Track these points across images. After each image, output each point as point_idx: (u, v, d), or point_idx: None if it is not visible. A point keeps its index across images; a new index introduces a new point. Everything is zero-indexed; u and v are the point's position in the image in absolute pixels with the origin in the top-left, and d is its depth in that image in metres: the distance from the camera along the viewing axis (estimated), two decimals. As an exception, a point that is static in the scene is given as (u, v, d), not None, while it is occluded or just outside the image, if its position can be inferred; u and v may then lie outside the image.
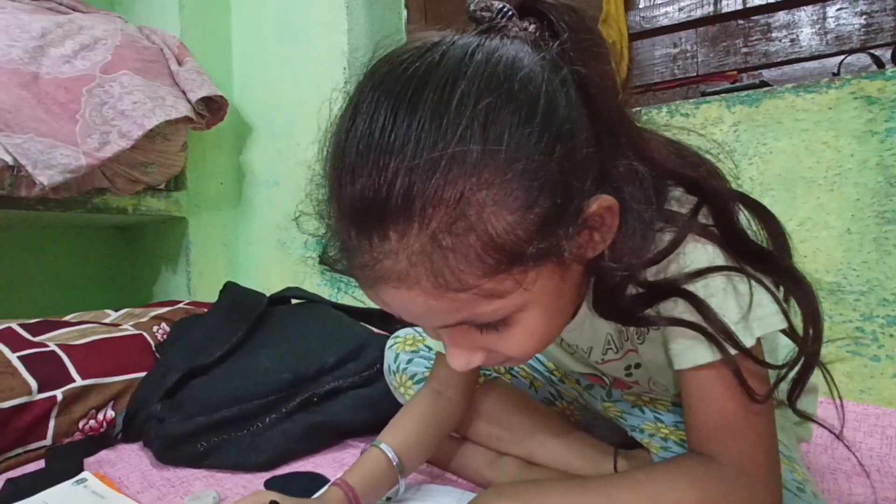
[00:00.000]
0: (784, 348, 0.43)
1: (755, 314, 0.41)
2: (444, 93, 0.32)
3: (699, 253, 0.40)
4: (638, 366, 0.57)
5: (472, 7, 0.37)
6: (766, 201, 0.79)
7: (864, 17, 0.95)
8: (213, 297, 1.15)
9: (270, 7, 1.51)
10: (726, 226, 0.40)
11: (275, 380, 0.78)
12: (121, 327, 0.98)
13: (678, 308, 0.40)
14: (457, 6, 1.40)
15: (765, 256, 0.40)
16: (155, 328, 1.02)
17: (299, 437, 0.74)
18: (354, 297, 1.35)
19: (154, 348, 0.97)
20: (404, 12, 1.50)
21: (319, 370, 0.81)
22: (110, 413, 0.83)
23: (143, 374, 0.89)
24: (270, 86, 1.51)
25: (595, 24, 0.38)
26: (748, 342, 0.40)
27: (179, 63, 1.39)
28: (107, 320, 1.04)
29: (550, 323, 0.39)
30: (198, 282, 1.47)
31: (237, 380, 0.81)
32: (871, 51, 0.92)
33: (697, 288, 0.40)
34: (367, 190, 0.32)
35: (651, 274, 0.40)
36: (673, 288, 0.39)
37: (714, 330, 0.39)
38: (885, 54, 0.90)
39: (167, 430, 0.74)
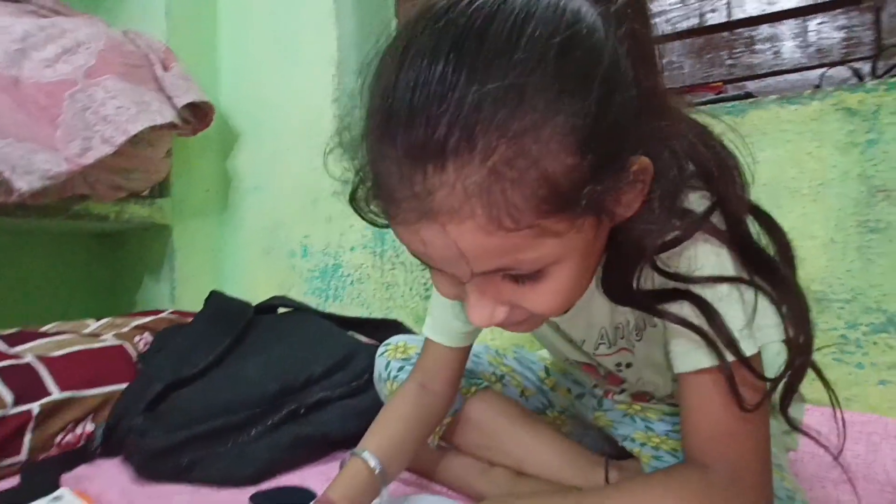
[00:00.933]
0: (778, 356, 0.43)
1: (758, 323, 0.41)
2: (514, 28, 0.31)
3: (710, 256, 0.41)
4: (629, 365, 0.57)
5: None
6: (752, 211, 0.80)
7: (843, 30, 0.97)
8: (197, 306, 1.13)
9: (259, 12, 1.50)
10: (736, 230, 0.41)
11: (261, 391, 0.77)
12: (101, 337, 0.96)
13: (684, 310, 0.40)
14: (445, 15, 1.41)
15: (771, 266, 0.41)
16: (137, 338, 1.00)
17: (286, 449, 0.73)
18: (342, 305, 1.33)
19: (136, 359, 0.94)
20: (394, 20, 1.50)
21: (307, 380, 0.80)
22: (89, 426, 0.80)
23: (124, 385, 0.86)
24: (258, 91, 1.50)
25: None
26: (750, 351, 0.40)
27: (165, 68, 1.37)
28: (87, 330, 1.01)
29: (577, 282, 0.39)
30: (182, 290, 1.44)
31: (222, 391, 0.79)
32: (851, 64, 0.94)
33: (705, 291, 0.40)
34: (427, 120, 0.31)
35: (661, 263, 0.40)
36: (682, 287, 0.40)
37: (718, 336, 0.39)
38: (865, 67, 0.92)
39: (149, 443, 0.72)
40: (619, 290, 0.42)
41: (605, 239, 0.40)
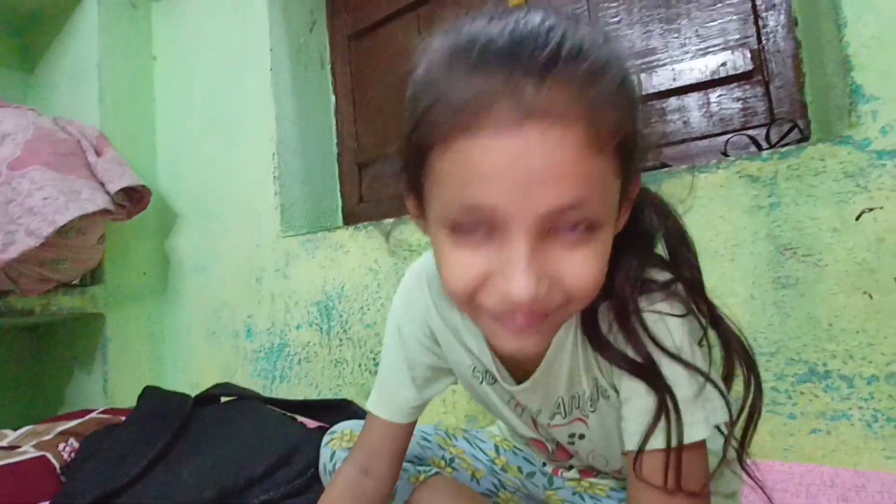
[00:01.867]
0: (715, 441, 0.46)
1: (707, 405, 0.43)
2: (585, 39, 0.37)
3: (676, 331, 0.44)
4: (582, 437, 0.57)
5: None
6: (676, 274, 0.84)
7: (740, 101, 1.07)
8: (133, 399, 1.06)
9: (197, 96, 1.52)
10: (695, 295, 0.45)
11: (197, 499, 0.72)
12: (19, 450, 0.88)
13: (642, 390, 0.43)
14: (383, 91, 1.47)
15: (721, 323, 0.46)
16: (61, 446, 0.92)
17: (225, 564, 0.68)
18: (290, 386, 1.29)
19: (59, 471, 0.87)
20: (332, 98, 1.55)
21: (247, 482, 0.75)
22: (1, 557, 0.73)
23: None
24: (198, 172, 1.50)
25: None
26: (702, 435, 0.42)
27: (98, 154, 1.35)
28: (3, 443, 0.93)
29: (605, 264, 0.39)
30: (116, 383, 1.36)
31: (154, 502, 0.73)
32: (750, 131, 1.04)
33: (669, 368, 0.43)
34: (544, 40, 0.35)
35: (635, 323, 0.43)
36: (646, 354, 0.43)
37: (675, 418, 0.42)
38: (762, 134, 1.02)
39: (70, 573, 0.65)
40: (597, 336, 0.45)
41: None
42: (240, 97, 1.44)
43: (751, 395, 0.45)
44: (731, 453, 0.62)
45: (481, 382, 0.60)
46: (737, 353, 0.46)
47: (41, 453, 0.88)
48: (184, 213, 1.50)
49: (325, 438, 0.71)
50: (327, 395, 1.24)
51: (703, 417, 0.43)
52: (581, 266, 0.37)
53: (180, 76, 1.56)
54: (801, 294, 0.83)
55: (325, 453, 0.69)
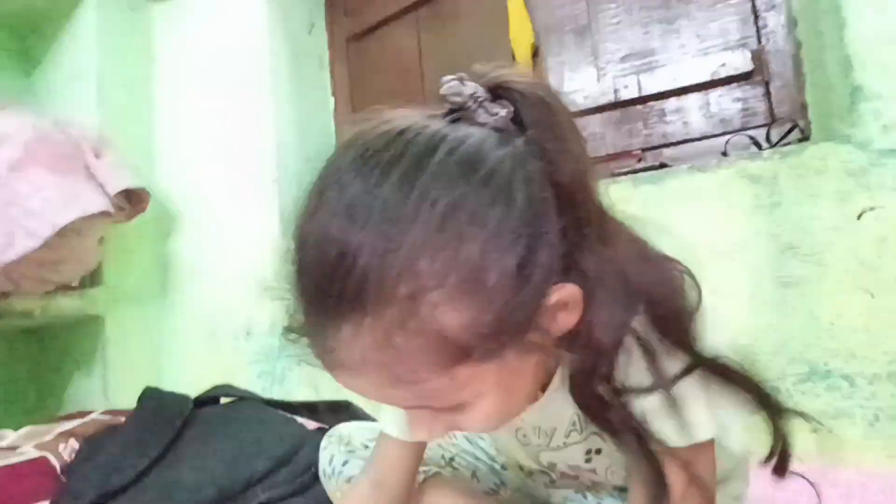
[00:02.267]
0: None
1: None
2: (403, 188, 0.32)
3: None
4: (599, 451, 0.56)
5: (442, 90, 0.38)
6: (677, 273, 0.84)
7: (740, 102, 1.08)
8: (133, 401, 1.06)
9: (197, 98, 1.52)
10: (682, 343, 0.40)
11: (197, 498, 0.72)
12: (18, 451, 0.88)
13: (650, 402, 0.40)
14: (382, 93, 1.47)
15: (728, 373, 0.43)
16: (62, 447, 0.92)
17: (226, 565, 0.68)
18: (290, 388, 1.29)
19: (60, 471, 0.86)
20: (331, 101, 1.55)
21: (248, 482, 0.75)
22: (1, 559, 0.72)
23: (44, 504, 0.79)
24: (197, 174, 1.49)
25: (567, 113, 0.38)
26: (711, 433, 0.42)
27: (97, 155, 1.35)
28: (3, 443, 0.93)
29: (509, 404, 0.39)
30: (117, 385, 1.35)
31: (155, 502, 0.73)
32: (750, 132, 1.04)
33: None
34: (323, 281, 0.32)
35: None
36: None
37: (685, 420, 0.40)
38: (763, 134, 1.02)
39: (69, 574, 0.65)
40: (586, 395, 0.41)
41: (547, 353, 0.39)
42: (239, 100, 1.44)
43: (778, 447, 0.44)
44: (744, 448, 0.62)
45: None
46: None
47: (41, 454, 0.88)
48: (183, 216, 1.50)
49: (323, 442, 0.70)
50: (328, 396, 1.23)
51: (708, 417, 0.42)
52: (468, 422, 0.39)
53: (179, 79, 1.56)
54: (803, 293, 0.83)
55: (323, 457, 0.69)
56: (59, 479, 0.85)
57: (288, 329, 0.38)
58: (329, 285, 0.32)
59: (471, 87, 0.37)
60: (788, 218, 0.84)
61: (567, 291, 0.36)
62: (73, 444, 0.94)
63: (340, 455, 0.68)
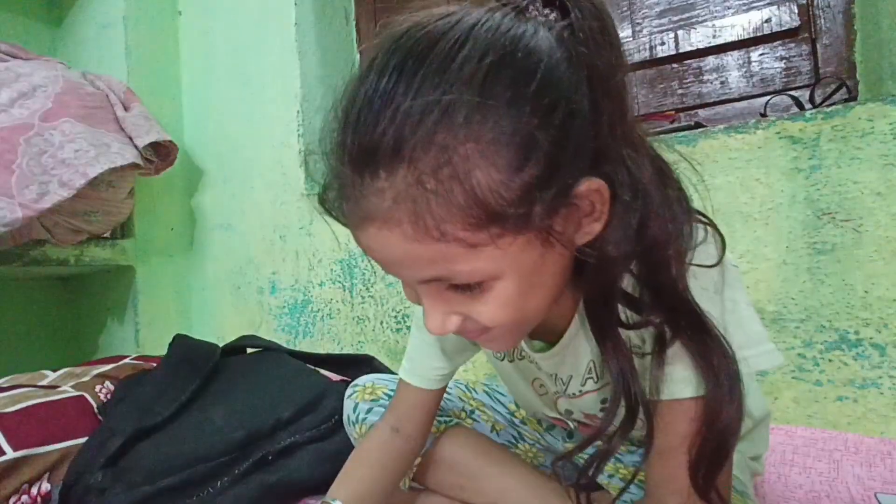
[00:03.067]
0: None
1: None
2: (451, 50, 0.33)
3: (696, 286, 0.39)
4: None
5: None
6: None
7: (783, 61, 1.02)
8: (163, 349, 1.09)
9: (221, 50, 1.51)
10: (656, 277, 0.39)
11: (227, 438, 0.75)
12: (59, 389, 0.92)
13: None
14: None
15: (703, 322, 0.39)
16: (98, 388, 0.96)
17: (254, 501, 0.71)
18: (313, 342, 1.32)
19: (97, 410, 0.91)
20: (357, 56, 1.52)
21: (275, 425, 0.78)
22: (45, 486, 0.77)
23: (83, 439, 0.83)
24: (223, 129, 1.50)
25: (610, 16, 0.38)
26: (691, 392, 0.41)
27: (126, 108, 1.36)
28: (43, 382, 0.97)
29: (525, 298, 0.39)
30: (147, 333, 1.40)
31: (186, 441, 0.77)
32: (792, 92, 0.99)
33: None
34: (366, 129, 0.33)
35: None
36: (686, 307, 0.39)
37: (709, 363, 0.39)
38: (805, 95, 0.97)
39: (109, 501, 0.69)
40: (598, 323, 0.42)
41: (569, 260, 0.40)
42: (264, 53, 1.43)
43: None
44: (764, 411, 0.62)
45: (503, 359, 0.60)
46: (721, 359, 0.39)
47: (79, 393, 0.92)
48: (209, 171, 1.51)
49: (349, 391, 0.72)
50: (349, 350, 1.26)
51: (688, 376, 0.40)
52: (484, 310, 0.39)
53: (204, 32, 1.55)
54: (838, 260, 0.80)
55: (348, 405, 0.71)
56: (96, 417, 0.90)
57: (321, 197, 0.39)
58: (371, 134, 0.33)
59: None
60: (828, 182, 0.81)
61: (595, 185, 0.36)
62: (109, 385, 0.98)
63: (365, 403, 0.70)
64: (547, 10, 0.38)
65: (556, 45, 0.35)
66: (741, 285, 0.44)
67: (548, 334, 0.52)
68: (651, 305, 0.39)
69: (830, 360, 0.81)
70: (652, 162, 0.39)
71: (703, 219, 0.42)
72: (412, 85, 0.33)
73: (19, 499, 0.74)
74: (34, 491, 0.75)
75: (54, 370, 1.04)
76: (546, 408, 0.62)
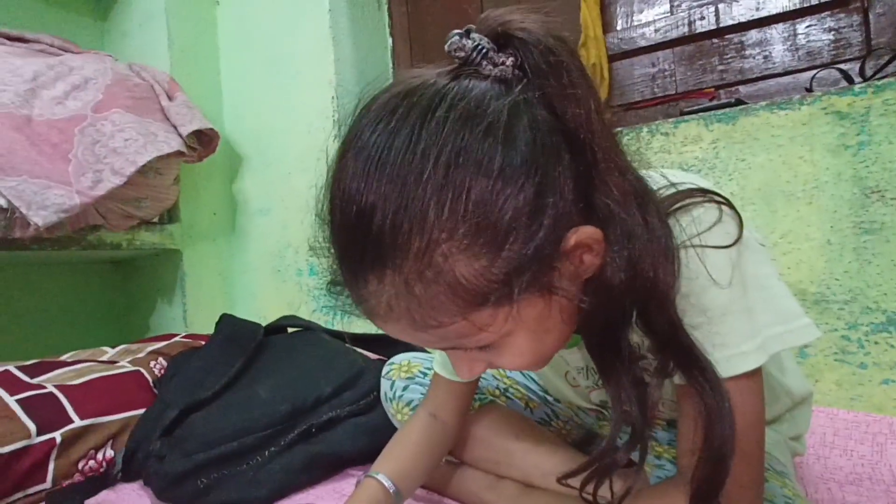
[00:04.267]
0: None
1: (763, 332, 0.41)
2: (411, 145, 0.34)
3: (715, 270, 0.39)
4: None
5: (446, 47, 0.38)
6: (747, 215, 0.82)
7: (832, 32, 0.98)
8: (209, 328, 1.15)
9: (258, 40, 1.54)
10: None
11: (273, 412, 0.79)
12: (118, 364, 0.99)
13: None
14: (441, 32, 1.44)
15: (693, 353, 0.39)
16: (152, 363, 1.02)
17: (299, 469, 0.75)
18: (350, 323, 1.35)
19: (152, 384, 0.97)
20: (389, 40, 1.53)
21: (317, 400, 0.82)
22: (109, 452, 0.83)
23: (141, 411, 0.89)
24: (260, 116, 1.54)
25: (572, 57, 0.38)
26: (754, 363, 0.41)
27: (170, 98, 1.41)
28: (104, 358, 1.04)
29: (541, 344, 0.40)
30: (194, 313, 1.47)
31: (236, 413, 0.81)
32: (841, 66, 0.95)
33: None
34: (348, 239, 0.36)
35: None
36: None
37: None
38: (855, 68, 0.93)
39: (167, 467, 0.74)
40: (600, 358, 0.42)
41: (578, 296, 0.39)
42: (299, 40, 1.45)
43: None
44: (805, 391, 0.61)
45: None
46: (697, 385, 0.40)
47: (136, 368, 0.98)
48: (248, 157, 1.56)
49: (385, 369, 0.75)
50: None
51: (754, 346, 0.41)
52: (503, 360, 0.41)
53: (241, 21, 1.58)
54: (886, 240, 0.78)
55: (384, 384, 0.74)
56: (151, 391, 0.96)
57: (331, 283, 0.41)
58: (353, 242, 0.35)
59: (475, 40, 0.37)
60: (877, 158, 0.78)
61: (586, 233, 0.36)
62: (162, 361, 1.05)
63: (401, 381, 0.72)
64: (502, 58, 0.37)
65: (515, 112, 0.35)
66: (769, 261, 0.43)
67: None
68: (645, 339, 0.40)
69: (876, 343, 0.79)
70: (635, 194, 0.39)
71: (718, 197, 0.41)
72: (379, 192, 0.33)
73: (87, 463, 0.80)
74: (100, 456, 0.82)
75: (112, 347, 1.11)
76: (580, 399, 0.63)
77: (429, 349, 0.46)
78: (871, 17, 0.94)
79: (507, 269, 0.34)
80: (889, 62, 0.88)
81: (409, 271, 0.34)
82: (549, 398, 0.76)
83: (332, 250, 0.38)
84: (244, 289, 1.54)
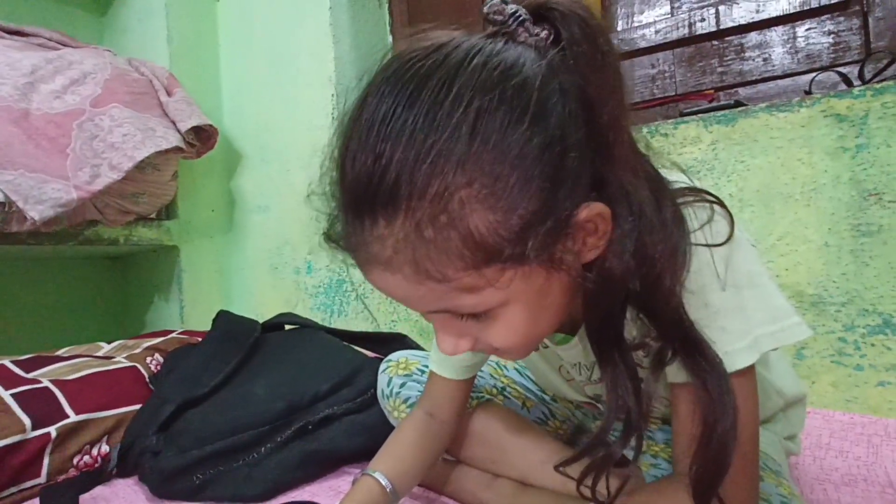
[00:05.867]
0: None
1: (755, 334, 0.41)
2: (441, 92, 0.33)
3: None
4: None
5: (485, 9, 0.38)
6: (745, 217, 0.82)
7: (831, 35, 0.98)
8: (206, 325, 1.15)
9: (258, 36, 1.54)
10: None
11: (269, 409, 0.79)
12: (114, 360, 0.98)
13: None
14: (440, 28, 1.43)
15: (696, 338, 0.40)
16: (149, 359, 1.02)
17: (295, 466, 0.75)
18: (347, 320, 1.35)
19: (148, 380, 0.97)
20: (389, 38, 1.53)
21: (313, 398, 0.82)
22: (105, 448, 0.83)
23: (137, 406, 0.88)
24: (260, 113, 1.54)
25: (604, 33, 0.38)
26: (753, 358, 0.41)
27: (169, 94, 1.41)
28: (100, 353, 1.04)
29: (535, 321, 0.40)
30: (191, 310, 1.47)
31: (232, 410, 0.81)
32: (840, 69, 0.95)
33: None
34: (362, 177, 0.34)
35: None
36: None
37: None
38: (854, 71, 0.93)
39: (162, 463, 0.74)
40: (598, 344, 0.42)
41: (580, 275, 0.39)
42: (299, 38, 1.45)
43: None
44: (799, 391, 0.61)
45: None
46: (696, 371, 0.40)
47: (132, 364, 0.98)
48: (247, 154, 1.56)
49: (382, 366, 0.75)
50: (383, 329, 1.29)
51: (746, 344, 0.41)
52: (493, 335, 0.40)
53: (242, 17, 1.58)
54: (884, 242, 0.78)
55: (382, 380, 0.74)
56: (148, 387, 0.95)
57: (326, 234, 0.40)
58: (367, 184, 0.34)
59: (512, 7, 0.38)
60: (875, 161, 0.78)
61: (597, 209, 0.36)
62: (158, 357, 1.04)
63: (398, 378, 0.72)
64: (537, 30, 0.37)
65: (548, 74, 0.35)
66: (759, 260, 0.43)
67: (566, 326, 0.52)
68: (647, 326, 0.40)
69: (873, 345, 0.79)
70: (649, 181, 0.39)
71: (710, 197, 0.42)
72: (403, 132, 0.33)
73: (82, 458, 0.80)
74: (95, 451, 0.81)
75: (108, 342, 1.10)
76: (575, 393, 0.63)
77: (423, 316, 0.43)
78: (870, 20, 0.95)
79: (519, 228, 0.33)
80: (888, 66, 0.88)
81: (424, 214, 0.33)
82: (546, 397, 0.76)
83: (338, 194, 0.37)
84: (241, 286, 1.54)
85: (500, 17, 0.38)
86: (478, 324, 0.40)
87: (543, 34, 0.37)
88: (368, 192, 0.34)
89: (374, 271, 0.37)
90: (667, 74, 1.12)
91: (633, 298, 0.40)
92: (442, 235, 0.33)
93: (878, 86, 0.79)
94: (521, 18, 0.37)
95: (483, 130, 0.33)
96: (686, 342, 0.39)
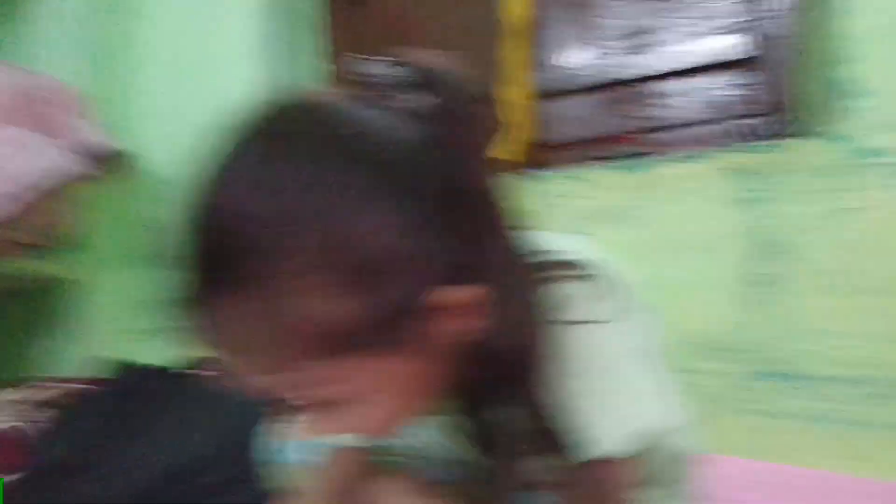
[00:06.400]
0: None
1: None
2: (297, 164, 0.31)
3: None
4: None
5: (364, 70, 0.37)
6: (655, 263, 0.83)
7: (737, 89, 1.04)
8: (111, 369, 1.06)
9: (177, 56, 1.46)
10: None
11: (147, 476, 0.72)
12: (-8, 419, 0.89)
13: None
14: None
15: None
16: (35, 417, 0.93)
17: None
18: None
19: (32, 443, 0.88)
20: (316, 60, 1.49)
21: (199, 459, 0.76)
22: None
23: (17, 475, 0.80)
24: (178, 136, 1.45)
25: (489, 110, 0.37)
26: (621, 446, 0.39)
27: (76, 114, 1.31)
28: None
29: (399, 406, 0.37)
30: (96, 350, 1.36)
31: (121, 477, 0.74)
32: (748, 121, 1.00)
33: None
34: (205, 257, 0.31)
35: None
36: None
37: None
38: (760, 125, 0.98)
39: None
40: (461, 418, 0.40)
41: (438, 361, 0.37)
42: (220, 61, 1.39)
43: None
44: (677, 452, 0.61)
45: None
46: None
47: (15, 424, 0.89)
48: (163, 179, 1.47)
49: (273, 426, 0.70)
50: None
51: (613, 430, 0.38)
52: (356, 423, 0.38)
53: (161, 35, 1.50)
54: (776, 292, 0.82)
55: (268, 443, 0.69)
56: (30, 451, 0.86)
57: (167, 300, 0.36)
58: (207, 262, 0.32)
59: (390, 70, 0.36)
60: (768, 214, 0.82)
61: (460, 293, 0.34)
62: (48, 413, 0.95)
63: (290, 441, 0.68)
64: (413, 96, 0.35)
65: (419, 151, 0.33)
66: (634, 341, 0.41)
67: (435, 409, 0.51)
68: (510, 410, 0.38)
69: (775, 392, 0.83)
70: (518, 260, 0.37)
71: (590, 270, 0.39)
72: (251, 203, 0.31)
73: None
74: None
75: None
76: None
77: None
78: (767, 78, 1.00)
79: (376, 316, 0.31)
80: (780, 123, 0.94)
81: (265, 302, 0.30)
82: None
83: (185, 266, 0.33)
84: (152, 324, 1.44)
85: (378, 81, 0.36)
86: (339, 411, 0.36)
87: (419, 100, 0.35)
88: (207, 274, 0.31)
89: (223, 355, 0.34)
90: (583, 118, 1.15)
91: (495, 382, 0.37)
92: (278, 325, 0.31)
93: (767, 142, 0.84)
94: (398, 84, 0.36)
95: (336, 209, 0.31)
96: (544, 434, 0.37)
